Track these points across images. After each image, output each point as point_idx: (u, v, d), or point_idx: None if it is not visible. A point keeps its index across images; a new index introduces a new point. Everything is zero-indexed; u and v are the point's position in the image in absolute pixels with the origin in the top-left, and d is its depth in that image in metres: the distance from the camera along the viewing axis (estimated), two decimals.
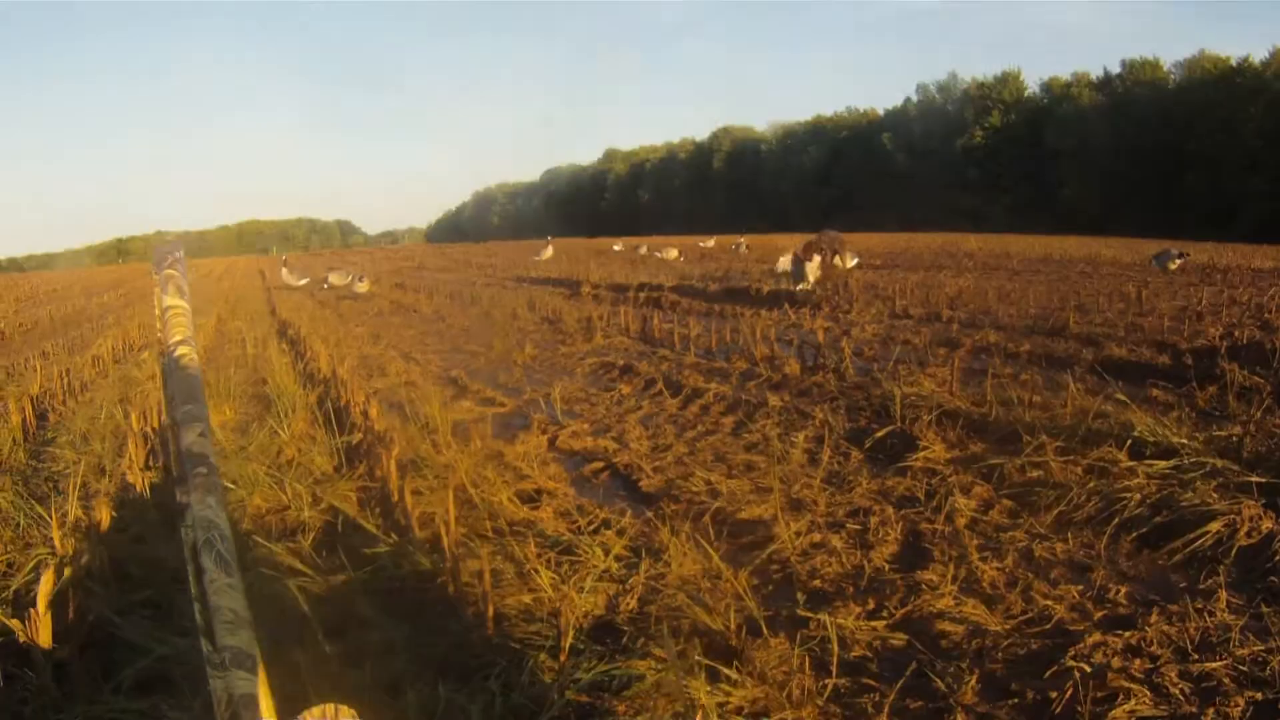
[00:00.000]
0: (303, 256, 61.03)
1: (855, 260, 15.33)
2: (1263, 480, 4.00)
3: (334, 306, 16.97)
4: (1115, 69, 63.36)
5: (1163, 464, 4.10)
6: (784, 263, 12.90)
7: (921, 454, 4.39)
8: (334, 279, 21.07)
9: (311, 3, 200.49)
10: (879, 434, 4.84)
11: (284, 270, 24.69)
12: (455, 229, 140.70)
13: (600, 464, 4.74)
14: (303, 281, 23.53)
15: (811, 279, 12.39)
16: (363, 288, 18.91)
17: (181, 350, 1.88)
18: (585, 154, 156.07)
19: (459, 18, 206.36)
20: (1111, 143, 57.88)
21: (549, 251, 30.09)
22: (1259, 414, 5.07)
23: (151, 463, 4.66)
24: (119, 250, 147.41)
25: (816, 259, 12.50)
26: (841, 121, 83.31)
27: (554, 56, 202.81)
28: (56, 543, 3.30)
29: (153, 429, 5.22)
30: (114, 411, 6.47)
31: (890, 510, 3.70)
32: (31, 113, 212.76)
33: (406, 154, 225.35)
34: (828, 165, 78.40)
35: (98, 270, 74.08)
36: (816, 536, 3.45)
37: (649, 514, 3.79)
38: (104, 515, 3.63)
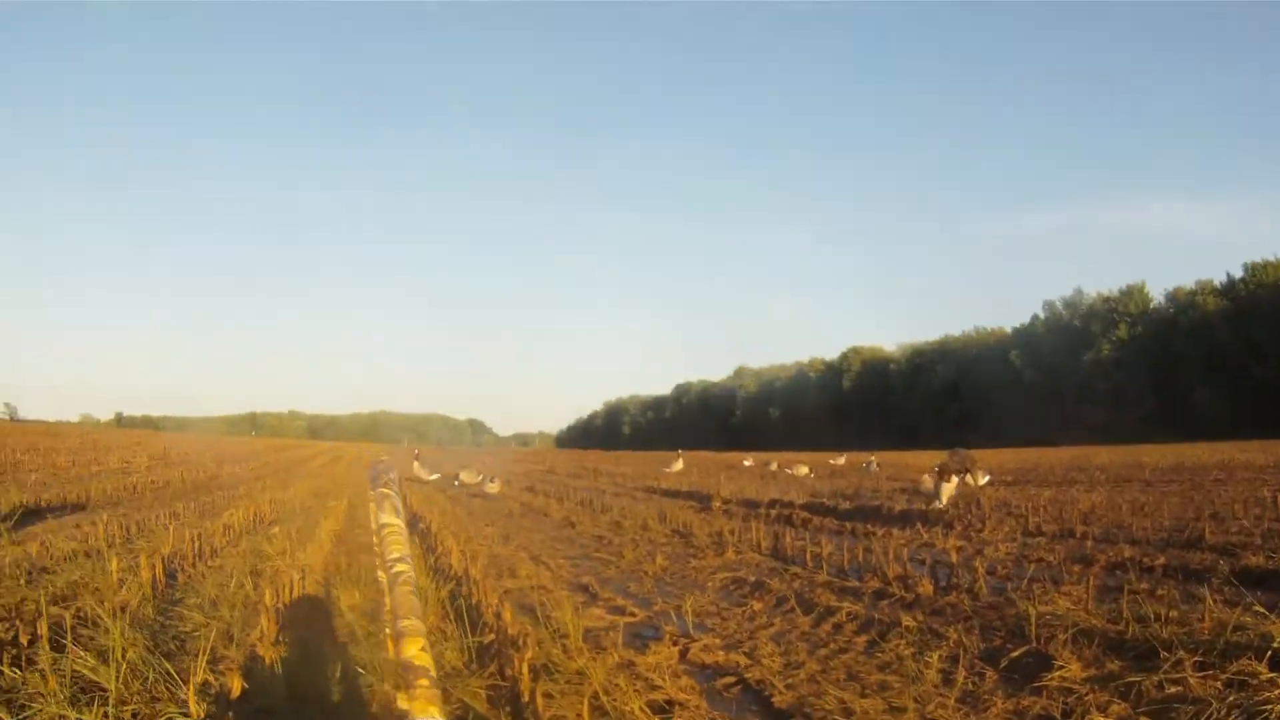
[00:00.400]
0: (434, 451, 61.97)
1: (987, 478, 15.24)
2: None
3: (465, 504, 17.15)
4: (1238, 273, 63.97)
5: None
6: (926, 481, 12.82)
7: (1057, 673, 4.21)
8: (465, 476, 21.29)
9: (453, 233, 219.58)
10: (1014, 654, 4.67)
11: (416, 463, 25.02)
12: (586, 435, 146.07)
13: (732, 679, 4.64)
14: (434, 476, 23.70)
15: (945, 499, 12.32)
16: (494, 488, 18.92)
17: (400, 567, 2.00)
18: (716, 370, 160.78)
19: (589, 240, 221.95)
20: (1238, 346, 57.07)
21: (679, 464, 29.85)
22: None
23: (281, 638, 4.73)
24: (252, 423, 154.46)
25: (954, 480, 12.46)
26: (969, 340, 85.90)
27: (687, 276, 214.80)
28: (190, 705, 3.40)
29: (283, 605, 5.35)
30: (244, 582, 6.67)
31: None
32: (178, 281, 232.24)
33: (541, 361, 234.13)
34: (955, 383, 79.99)
35: (230, 439, 77.54)
36: None
37: None
38: (235, 684, 3.71)
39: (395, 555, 1.93)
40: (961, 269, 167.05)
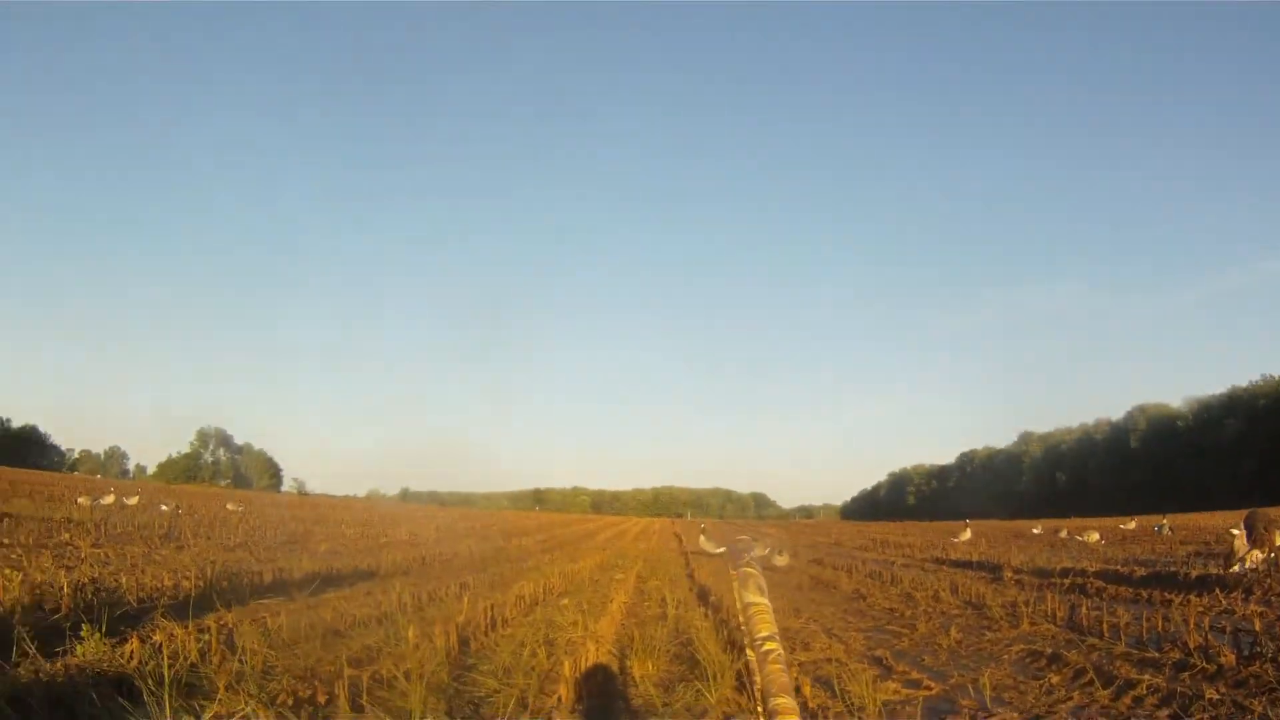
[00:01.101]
0: (719, 524, 63.95)
1: None
2: None
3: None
4: None
5: None
6: (1238, 540, 11.86)
7: None
8: (755, 549, 21.37)
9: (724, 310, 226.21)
10: None
11: (702, 537, 25.38)
12: (871, 506, 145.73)
13: None
14: (720, 550, 23.53)
15: (1249, 563, 11.43)
16: (782, 561, 19.00)
17: (769, 645, 2.09)
18: (999, 436, 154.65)
19: (858, 314, 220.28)
20: None
21: (967, 534, 29.25)
22: None
23: (577, 707, 4.94)
24: (536, 499, 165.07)
25: (1258, 552, 11.51)
26: (1259, 390, 78.55)
27: (965, 342, 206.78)
28: None
29: (579, 673, 5.59)
30: (537, 650, 6.97)
31: None
32: (466, 369, 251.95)
33: (823, 434, 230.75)
34: (1246, 437, 73.29)
35: (515, 513, 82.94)
36: None
37: None
38: None
39: (764, 634, 2.04)
40: (1249, 312, 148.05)
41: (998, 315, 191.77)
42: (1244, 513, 12.56)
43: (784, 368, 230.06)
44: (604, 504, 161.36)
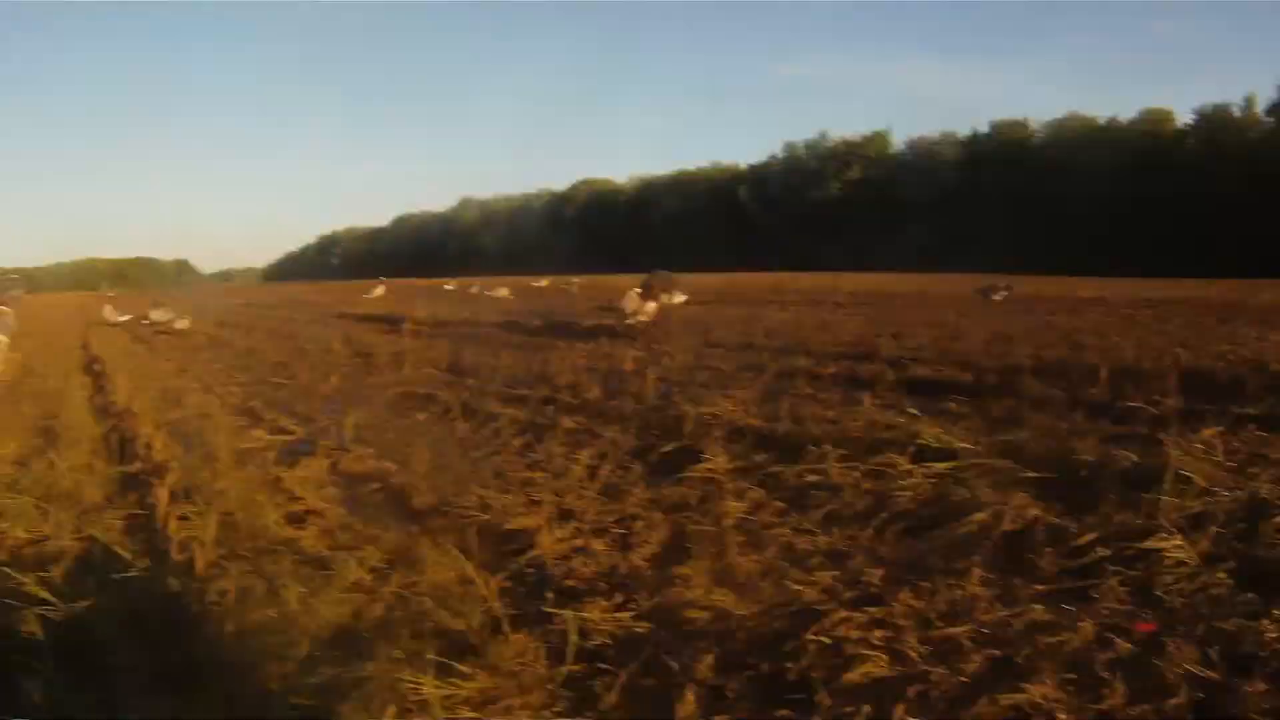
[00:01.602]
0: (133, 297, 58.24)
1: (683, 297, 15.41)
2: (1039, 475, 4.21)
3: (149, 342, 16.68)
4: (985, 131, 67.44)
5: (942, 465, 4.28)
6: (631, 300, 12.67)
7: (703, 465, 4.50)
8: (155, 315, 20.61)
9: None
10: (664, 449, 4.96)
11: (107, 307, 24.40)
12: (296, 269, 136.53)
13: (377, 485, 4.74)
14: (124, 318, 23.11)
15: (643, 315, 12.37)
16: (182, 324, 18.68)
17: None
18: (443, 202, 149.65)
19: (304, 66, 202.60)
20: (966, 190, 61.32)
21: (380, 290, 30.13)
22: (1048, 421, 5.35)
23: None
24: None
25: (651, 305, 12.52)
26: (702, 174, 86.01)
27: (417, 98, 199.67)
28: None
29: None
30: None
31: (659, 515, 3.81)
32: None
33: (251, 195, 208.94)
34: (681, 214, 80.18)
35: None
36: (579, 541, 3.53)
37: (415, 528, 3.81)
38: None
39: None
40: (712, 110, 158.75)
41: (446, 83, 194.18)
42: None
43: (203, 127, 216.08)
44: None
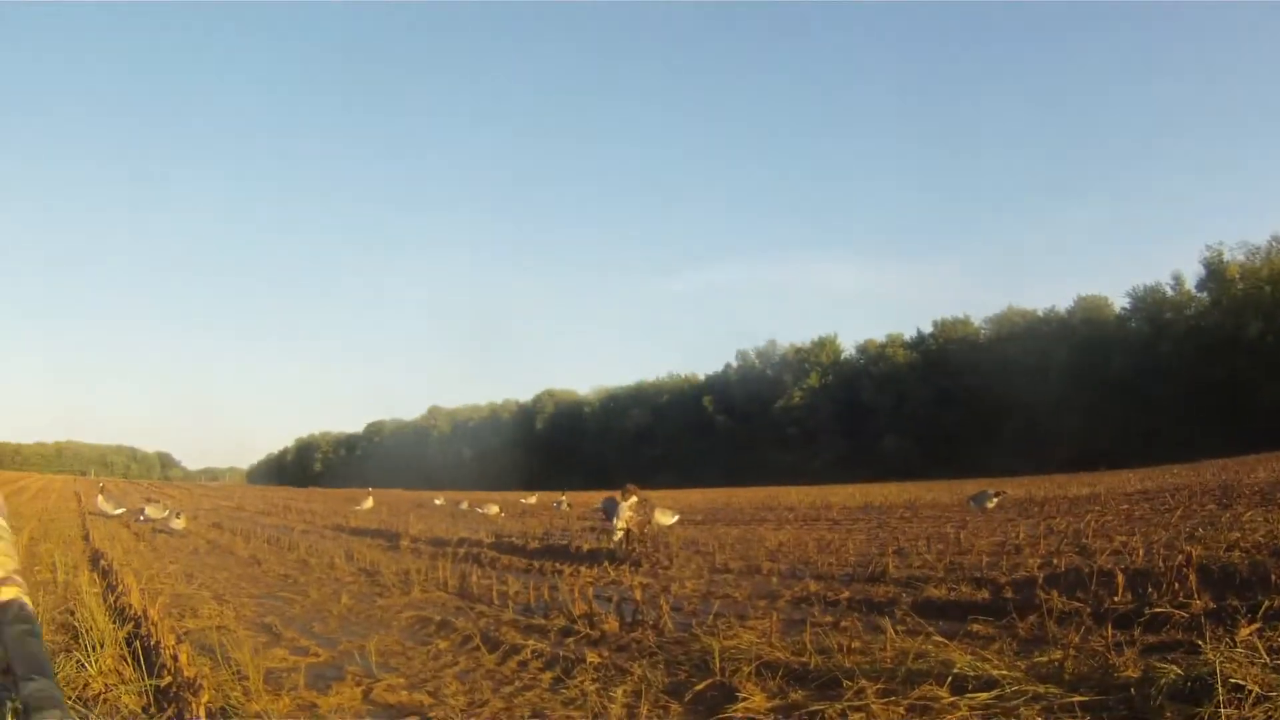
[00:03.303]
0: (120, 484, 59.79)
1: (675, 517, 15.49)
2: (1085, 699, 4.00)
3: (149, 540, 16.47)
4: (927, 329, 71.23)
5: (984, 695, 4.06)
6: (623, 513, 12.17)
7: (741, 704, 4.28)
8: (151, 511, 20.73)
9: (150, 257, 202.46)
10: (698, 687, 4.73)
11: (100, 497, 24.12)
12: (278, 472, 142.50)
13: (415, 719, 4.53)
14: (119, 511, 23.04)
15: (623, 520, 12.08)
16: (179, 524, 18.58)
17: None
18: (409, 410, 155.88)
19: (279, 277, 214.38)
20: (927, 394, 63.69)
21: (369, 502, 29.93)
22: (1078, 637, 5.18)
23: None
24: None
25: (632, 499, 12.24)
26: (663, 386, 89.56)
27: (381, 315, 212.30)
28: None
29: None
30: None
31: None
32: None
33: (233, 397, 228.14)
34: (650, 426, 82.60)
35: None
36: None
37: None
38: None
39: None
40: (659, 319, 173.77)
41: (415, 294, 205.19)
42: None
43: (194, 325, 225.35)
44: (5, 458, 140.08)
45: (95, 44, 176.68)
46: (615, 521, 12.12)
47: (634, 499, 12.26)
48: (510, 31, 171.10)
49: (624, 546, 12.11)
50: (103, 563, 10.84)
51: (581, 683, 4.99)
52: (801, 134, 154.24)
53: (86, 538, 15.57)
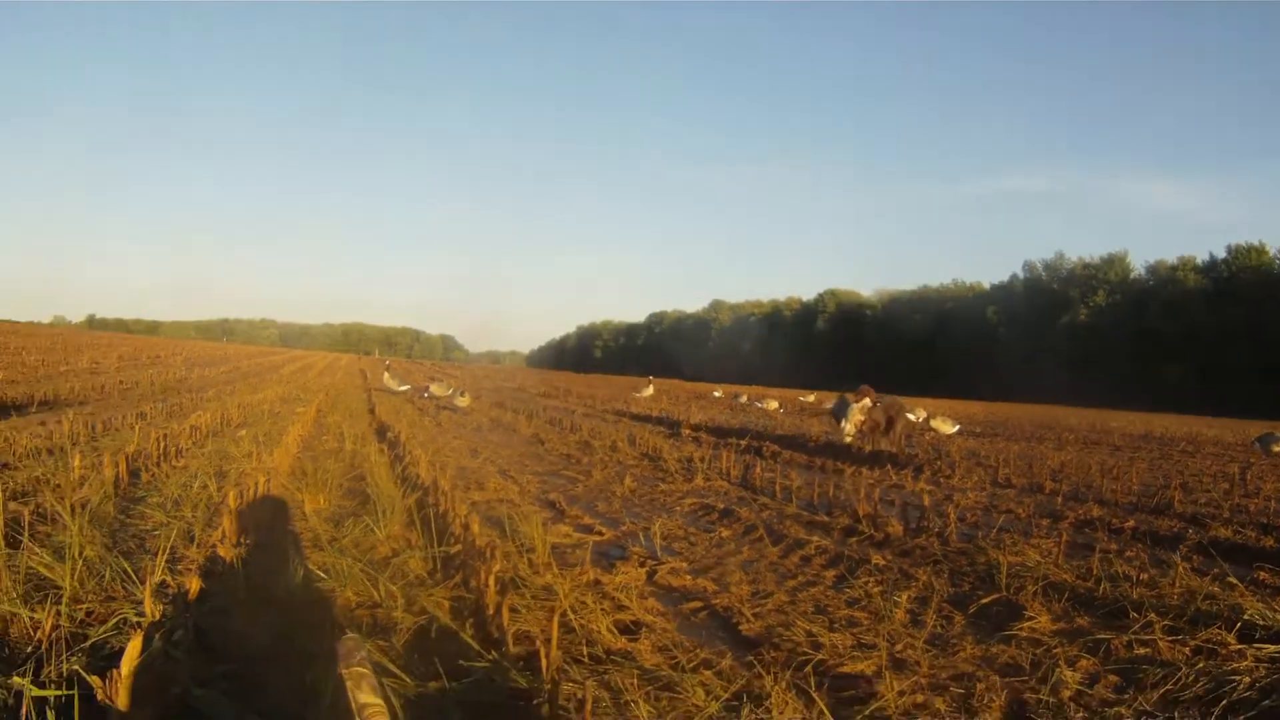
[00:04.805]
0: (404, 364, 61.98)
1: (956, 427, 15.64)
2: None
3: (433, 415, 16.99)
4: (1220, 254, 63.93)
5: (1272, 648, 3.91)
6: (854, 413, 12.25)
7: (1027, 623, 4.25)
8: (435, 389, 21.31)
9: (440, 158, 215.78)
10: (984, 600, 4.71)
11: (386, 374, 24.96)
12: (558, 357, 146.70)
13: (699, 603, 4.61)
14: (404, 388, 23.70)
15: (852, 424, 12.13)
16: (463, 402, 18.83)
17: None
18: (692, 303, 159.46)
19: (577, 169, 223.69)
20: (1213, 327, 57.82)
21: (650, 389, 29.86)
22: None
23: (243, 540, 4.66)
24: (224, 329, 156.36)
25: (865, 403, 12.21)
26: (947, 293, 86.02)
27: (669, 208, 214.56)
28: (146, 606, 3.24)
29: (247, 506, 5.24)
30: (208, 483, 6.52)
31: (995, 677, 3.54)
32: (157, 185, 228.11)
33: (519, 284, 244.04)
34: (932, 333, 79.72)
35: (201, 344, 76.75)
36: (920, 697, 3.30)
37: (749, 658, 3.67)
38: (193, 584, 3.59)
39: None
40: (944, 223, 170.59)
41: (707, 187, 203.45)
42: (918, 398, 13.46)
43: (488, 216, 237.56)
44: (292, 338, 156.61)
45: None
46: (844, 424, 12.10)
47: (866, 400, 12.14)
48: None
49: (861, 447, 12.09)
50: (389, 435, 11.35)
51: (865, 584, 5.00)
52: (1110, 44, 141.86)
53: (372, 411, 16.35)
